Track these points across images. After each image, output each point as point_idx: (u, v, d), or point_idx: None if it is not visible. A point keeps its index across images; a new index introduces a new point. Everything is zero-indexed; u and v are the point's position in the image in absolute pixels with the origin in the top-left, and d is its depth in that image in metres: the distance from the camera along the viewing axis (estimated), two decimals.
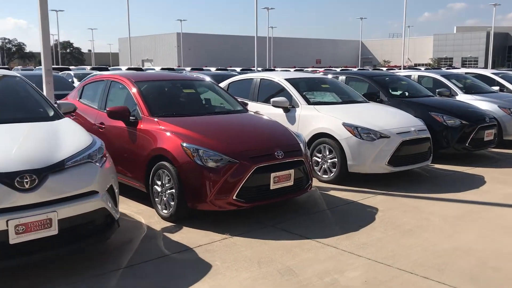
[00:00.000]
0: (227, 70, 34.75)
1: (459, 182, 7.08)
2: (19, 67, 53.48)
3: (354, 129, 6.72)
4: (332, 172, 6.95)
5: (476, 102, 9.97)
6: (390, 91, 9.39)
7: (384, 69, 41.02)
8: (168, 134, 5.29)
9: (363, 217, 5.44)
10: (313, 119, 7.22)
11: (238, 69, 36.49)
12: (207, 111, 6.07)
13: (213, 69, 34.75)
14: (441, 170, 7.93)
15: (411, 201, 6.09)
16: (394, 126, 6.88)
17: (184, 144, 5.06)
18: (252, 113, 6.55)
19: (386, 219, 5.35)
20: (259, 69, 39.61)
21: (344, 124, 6.81)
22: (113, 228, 4.24)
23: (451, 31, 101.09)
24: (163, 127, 5.40)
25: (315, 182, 6.95)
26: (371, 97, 9.01)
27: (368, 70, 30.64)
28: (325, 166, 7.03)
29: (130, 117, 5.77)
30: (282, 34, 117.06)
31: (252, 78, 8.53)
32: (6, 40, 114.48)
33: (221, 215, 5.30)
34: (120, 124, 5.87)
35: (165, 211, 5.27)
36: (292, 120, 7.48)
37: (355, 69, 34.64)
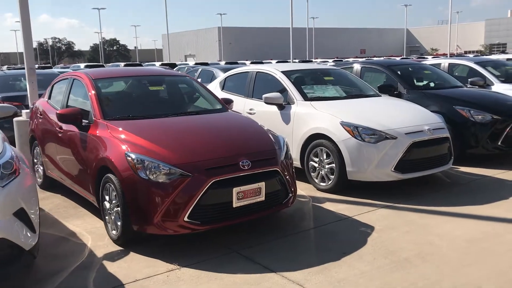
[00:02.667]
0: (262, 63, 33.69)
1: (485, 191, 5.89)
2: (59, 65, 54.68)
3: (354, 129, 5.67)
4: (330, 180, 5.93)
5: None
6: (412, 82, 8.22)
7: (430, 57, 38.81)
8: (115, 140, 4.46)
9: (352, 239, 4.42)
10: (309, 117, 6.21)
11: (274, 61, 35.50)
12: (174, 112, 5.17)
13: (248, 63, 33.84)
14: (466, 174, 6.73)
15: (419, 217, 5.00)
16: (403, 125, 5.77)
17: (128, 154, 4.21)
18: (234, 112, 5.63)
19: (380, 243, 4.31)
20: (296, 60, 38.44)
21: (342, 123, 5.77)
22: (20, 262, 3.46)
23: (505, 16, 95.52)
24: (111, 132, 4.58)
25: (311, 192, 5.98)
26: (388, 89, 7.88)
27: (412, 59, 28.83)
28: (323, 172, 6.02)
29: (83, 121, 4.99)
30: (325, 24, 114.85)
31: (248, 72, 7.59)
32: (56, 40, 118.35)
33: (182, 237, 4.42)
34: (74, 128, 5.11)
35: (114, 232, 4.46)
36: (286, 119, 6.49)
37: (398, 58, 32.86)
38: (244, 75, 7.62)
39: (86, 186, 4.96)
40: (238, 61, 38.96)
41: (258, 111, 6.96)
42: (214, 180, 4.08)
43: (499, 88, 8.99)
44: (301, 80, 6.98)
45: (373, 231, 4.60)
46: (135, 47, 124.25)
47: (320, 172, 6.06)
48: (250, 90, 7.31)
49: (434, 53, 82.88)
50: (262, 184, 4.34)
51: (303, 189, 6.16)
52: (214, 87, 8.17)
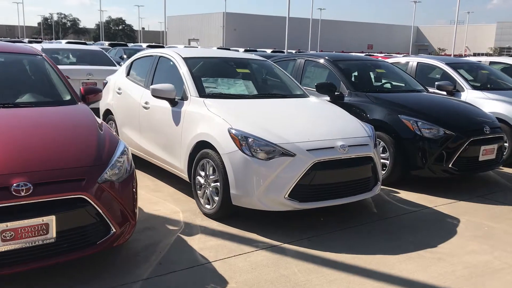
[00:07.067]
0: (256, 51, 31.98)
1: (412, 231, 4.48)
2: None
3: (242, 140, 4.27)
4: (214, 203, 4.55)
5: (486, 102, 7.21)
6: (358, 82, 6.82)
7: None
8: None
9: None
10: (199, 119, 4.81)
11: (269, 51, 33.86)
12: None
13: (241, 50, 32.23)
14: (403, 202, 5.33)
15: (303, 269, 3.61)
16: (307, 138, 4.35)
17: None
18: (82, 107, 4.22)
19: None
20: (292, 51, 36.75)
21: (231, 131, 4.37)
22: None
23: None
24: None
25: (194, 215, 4.65)
26: (327, 89, 6.47)
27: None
28: (208, 192, 4.64)
29: None
30: (332, 16, 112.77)
31: (152, 55, 6.18)
32: (62, 15, 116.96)
33: None
34: None
35: None
36: (177, 119, 5.10)
37: (400, 56, 30.98)
38: (148, 59, 6.21)
39: None
40: (230, 48, 37.30)
41: (152, 105, 5.59)
42: None
43: (470, 95, 7.55)
44: (205, 70, 5.57)
45: None
46: (143, 28, 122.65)
47: (206, 191, 4.68)
48: (149, 79, 5.92)
49: (442, 53, 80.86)
50: (50, 219, 2.96)
51: (186, 210, 4.81)
52: (120, 72, 6.80)
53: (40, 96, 4.28)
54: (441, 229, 4.56)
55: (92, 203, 3.14)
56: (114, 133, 3.90)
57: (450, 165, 5.61)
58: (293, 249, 3.96)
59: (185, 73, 5.30)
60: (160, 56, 5.93)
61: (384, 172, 5.76)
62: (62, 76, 4.56)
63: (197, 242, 4.04)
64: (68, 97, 4.31)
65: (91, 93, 4.52)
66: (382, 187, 5.67)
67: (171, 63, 5.64)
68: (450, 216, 4.91)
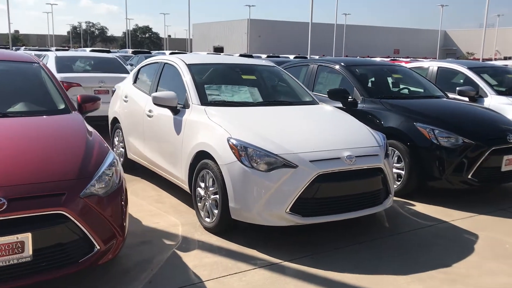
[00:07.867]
0: (278, 57, 31.69)
1: (428, 249, 4.15)
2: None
3: (242, 150, 4.04)
4: (214, 216, 4.33)
5: (511, 108, 6.79)
6: (373, 88, 6.52)
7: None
8: None
9: None
10: (200, 128, 4.61)
11: (292, 57, 33.55)
12: None
13: (263, 56, 32.04)
14: (418, 216, 4.99)
15: None
16: (311, 148, 4.08)
17: None
18: (75, 117, 4.06)
19: None
20: (315, 57, 36.34)
21: (230, 140, 4.15)
22: None
23: None
24: None
25: (194, 229, 4.44)
26: (340, 96, 6.21)
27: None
28: (208, 204, 4.42)
29: None
30: (357, 21, 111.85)
31: (157, 62, 6.02)
32: (90, 24, 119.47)
33: None
34: None
35: None
36: (178, 128, 4.91)
37: (426, 60, 30.02)
38: (153, 66, 6.05)
39: None
40: (253, 55, 37.06)
41: (155, 114, 5.42)
42: None
43: (494, 101, 7.15)
44: (209, 77, 5.37)
45: None
46: (169, 36, 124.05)
47: (206, 204, 4.46)
48: (154, 86, 5.76)
49: (471, 58, 79.15)
50: (26, 236, 2.79)
51: (186, 224, 4.60)
52: (128, 80, 6.67)
53: (33, 105, 4.14)
54: (458, 246, 4.22)
55: (73, 219, 2.95)
56: (105, 144, 3.72)
57: (469, 176, 5.25)
58: (294, 268, 3.69)
59: (187, 80, 5.11)
60: (165, 63, 5.76)
61: (399, 183, 5.46)
62: (58, 84, 4.41)
63: (192, 259, 3.82)
64: (62, 106, 4.15)
65: (88, 102, 4.36)
66: (397, 198, 5.36)
67: (175, 70, 5.46)
68: (468, 232, 4.56)
